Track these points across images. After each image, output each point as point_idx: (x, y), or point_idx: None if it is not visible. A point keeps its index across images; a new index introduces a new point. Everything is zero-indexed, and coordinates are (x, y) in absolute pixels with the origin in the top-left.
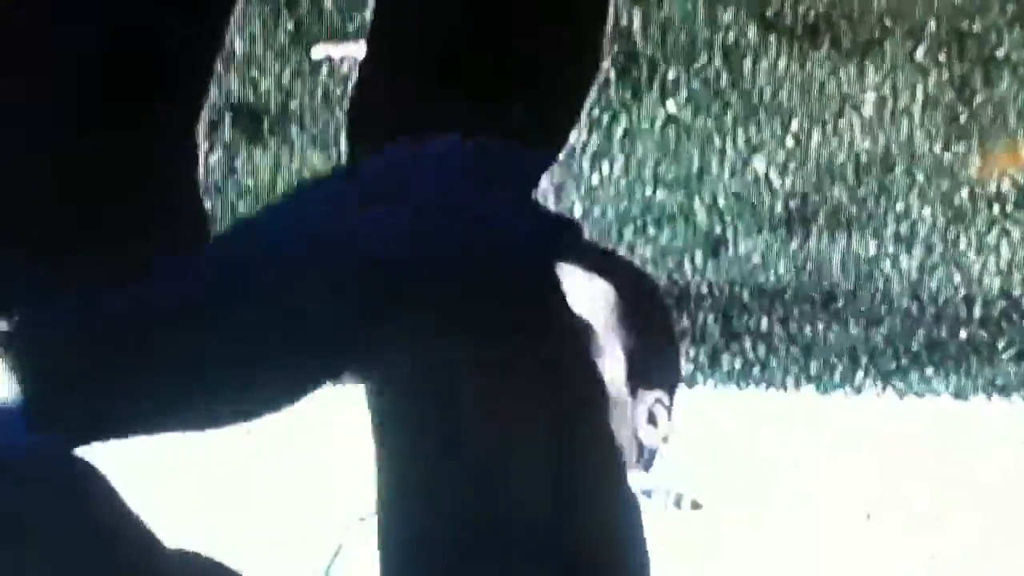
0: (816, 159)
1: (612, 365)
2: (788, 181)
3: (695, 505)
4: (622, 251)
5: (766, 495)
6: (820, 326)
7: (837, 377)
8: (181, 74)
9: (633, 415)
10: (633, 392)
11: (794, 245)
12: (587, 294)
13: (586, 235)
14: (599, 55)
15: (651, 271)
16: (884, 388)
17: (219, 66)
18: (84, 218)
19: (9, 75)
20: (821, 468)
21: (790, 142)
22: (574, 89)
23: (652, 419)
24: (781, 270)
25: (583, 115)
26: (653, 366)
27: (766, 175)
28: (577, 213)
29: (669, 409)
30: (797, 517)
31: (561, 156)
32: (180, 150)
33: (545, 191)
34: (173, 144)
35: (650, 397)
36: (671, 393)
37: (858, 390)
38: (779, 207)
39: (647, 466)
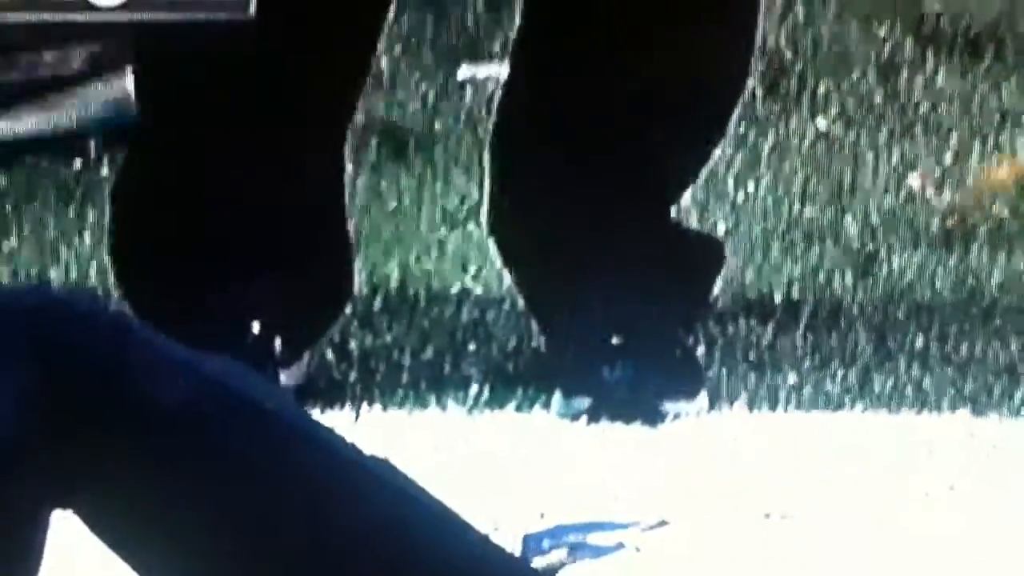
0: (976, 175)
1: None
2: (946, 197)
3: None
4: (769, 268)
5: (917, 522)
6: (978, 345)
7: (995, 397)
8: (331, 97)
9: None
10: None
11: (952, 262)
12: None
13: (729, 252)
14: (744, 76)
15: (799, 288)
16: None
17: (368, 88)
18: (236, 236)
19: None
20: (977, 494)
21: (948, 158)
22: (717, 112)
23: None
24: (938, 287)
25: (729, 131)
26: None
27: (922, 191)
28: (721, 231)
29: None
30: (953, 549)
31: (704, 173)
32: (329, 172)
33: (687, 209)
34: (323, 165)
35: None
36: None
37: (1017, 411)
38: (935, 224)
39: None
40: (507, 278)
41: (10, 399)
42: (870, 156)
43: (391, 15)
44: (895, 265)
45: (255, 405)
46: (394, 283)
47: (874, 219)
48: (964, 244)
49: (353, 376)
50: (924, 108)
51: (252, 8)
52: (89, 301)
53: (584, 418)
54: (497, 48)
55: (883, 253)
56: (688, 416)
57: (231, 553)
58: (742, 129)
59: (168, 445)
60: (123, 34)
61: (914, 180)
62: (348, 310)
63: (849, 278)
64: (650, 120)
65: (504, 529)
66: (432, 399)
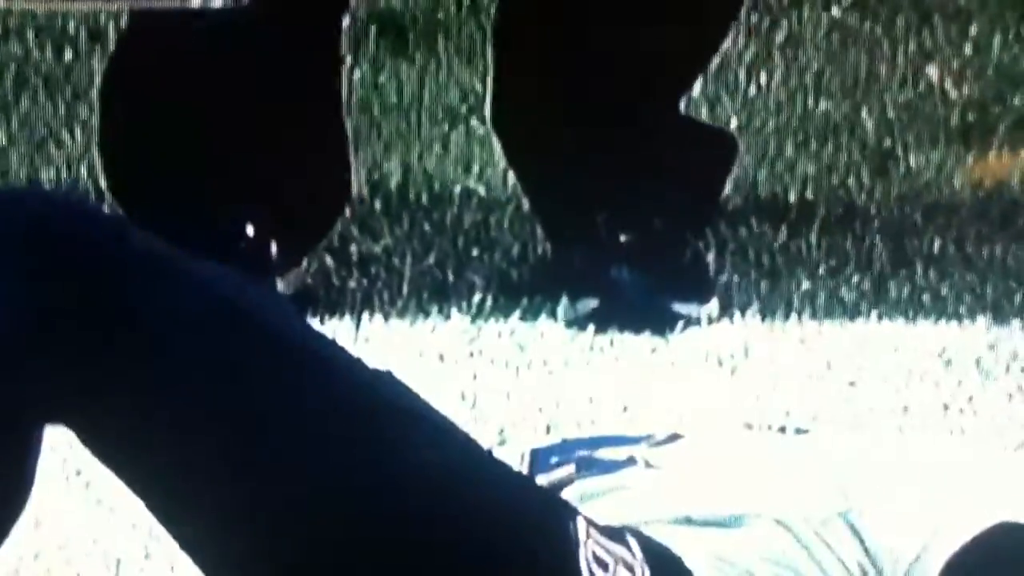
0: (996, 66)
1: None
2: (965, 90)
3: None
4: (782, 167)
5: (934, 434)
6: (998, 248)
7: (1016, 305)
8: None
9: None
10: None
11: (971, 160)
12: None
13: (742, 149)
14: None
15: (813, 188)
16: None
17: None
18: (228, 135)
19: None
20: (997, 405)
21: (967, 48)
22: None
23: None
24: (957, 187)
25: (739, 20)
26: None
27: (940, 84)
28: (732, 127)
29: None
30: (972, 461)
31: (715, 64)
32: (325, 65)
33: (697, 103)
34: (318, 58)
35: None
36: None
37: None
38: (955, 118)
39: None
40: (511, 178)
41: (6, 299)
42: (886, 46)
43: None
44: (913, 163)
45: (253, 316)
46: (394, 184)
47: (891, 113)
48: (985, 140)
49: (353, 283)
50: None
51: None
52: (87, 202)
53: (592, 328)
54: None
55: (900, 150)
56: (698, 322)
57: (220, 464)
58: (754, 18)
59: (163, 352)
60: None
61: (932, 71)
62: (347, 213)
63: (865, 177)
64: (656, 9)
65: (510, 444)
66: (434, 308)
